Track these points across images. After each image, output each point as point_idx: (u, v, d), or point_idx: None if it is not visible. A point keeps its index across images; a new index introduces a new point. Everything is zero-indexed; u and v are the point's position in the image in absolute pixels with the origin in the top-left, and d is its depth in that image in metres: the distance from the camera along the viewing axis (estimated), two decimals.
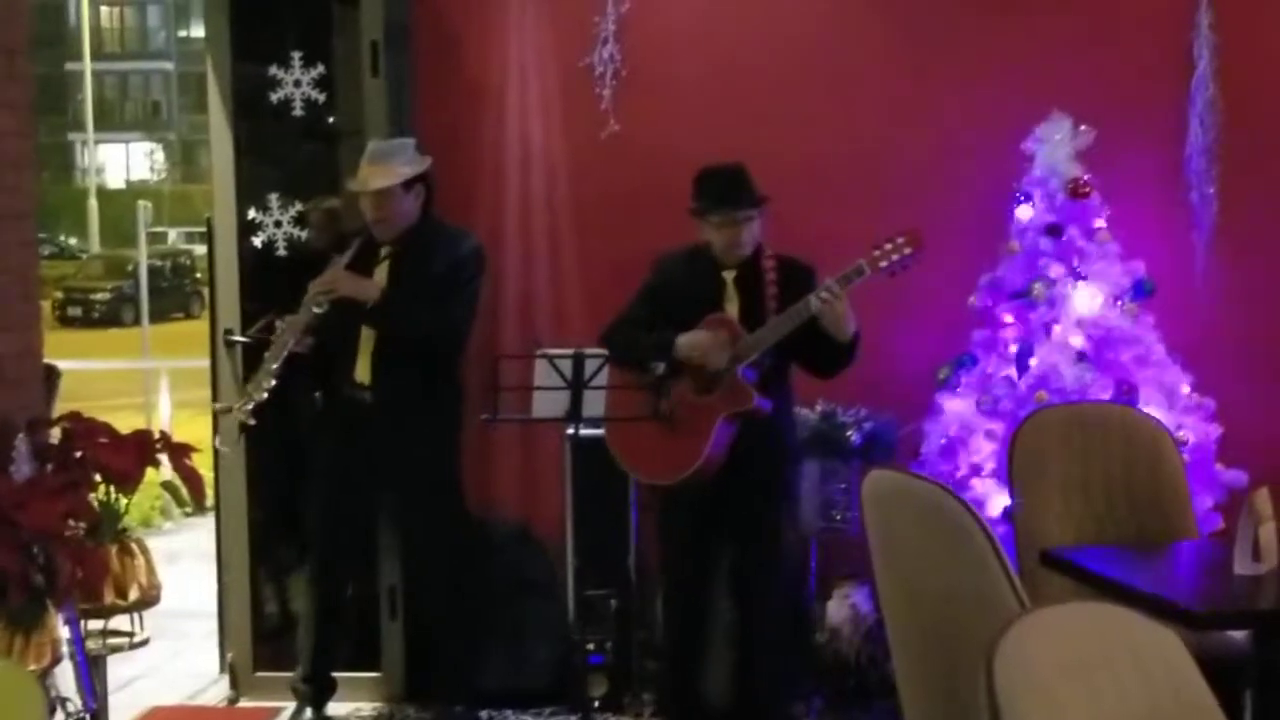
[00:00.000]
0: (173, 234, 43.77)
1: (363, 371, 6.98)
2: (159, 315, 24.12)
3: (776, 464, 6.71)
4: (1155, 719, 3.37)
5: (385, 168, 6.95)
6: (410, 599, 7.60)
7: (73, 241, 48.67)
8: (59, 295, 36.48)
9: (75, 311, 35.79)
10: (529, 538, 7.94)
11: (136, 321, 20.53)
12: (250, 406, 6.74)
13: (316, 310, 6.89)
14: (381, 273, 6.99)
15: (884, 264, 6.25)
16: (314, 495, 7.36)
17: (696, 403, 6.42)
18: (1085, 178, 7.26)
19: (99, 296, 36.36)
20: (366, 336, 6.97)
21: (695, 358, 6.40)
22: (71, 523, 5.04)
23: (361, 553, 7.52)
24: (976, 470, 7.12)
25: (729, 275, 6.53)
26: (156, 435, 5.23)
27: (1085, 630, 3.49)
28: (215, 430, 7.92)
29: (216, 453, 7.95)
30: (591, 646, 7.44)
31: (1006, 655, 3.33)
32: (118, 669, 7.82)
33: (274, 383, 6.77)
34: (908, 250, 6.25)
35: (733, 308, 6.50)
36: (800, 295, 6.34)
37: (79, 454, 5.07)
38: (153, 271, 26.77)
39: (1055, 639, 3.43)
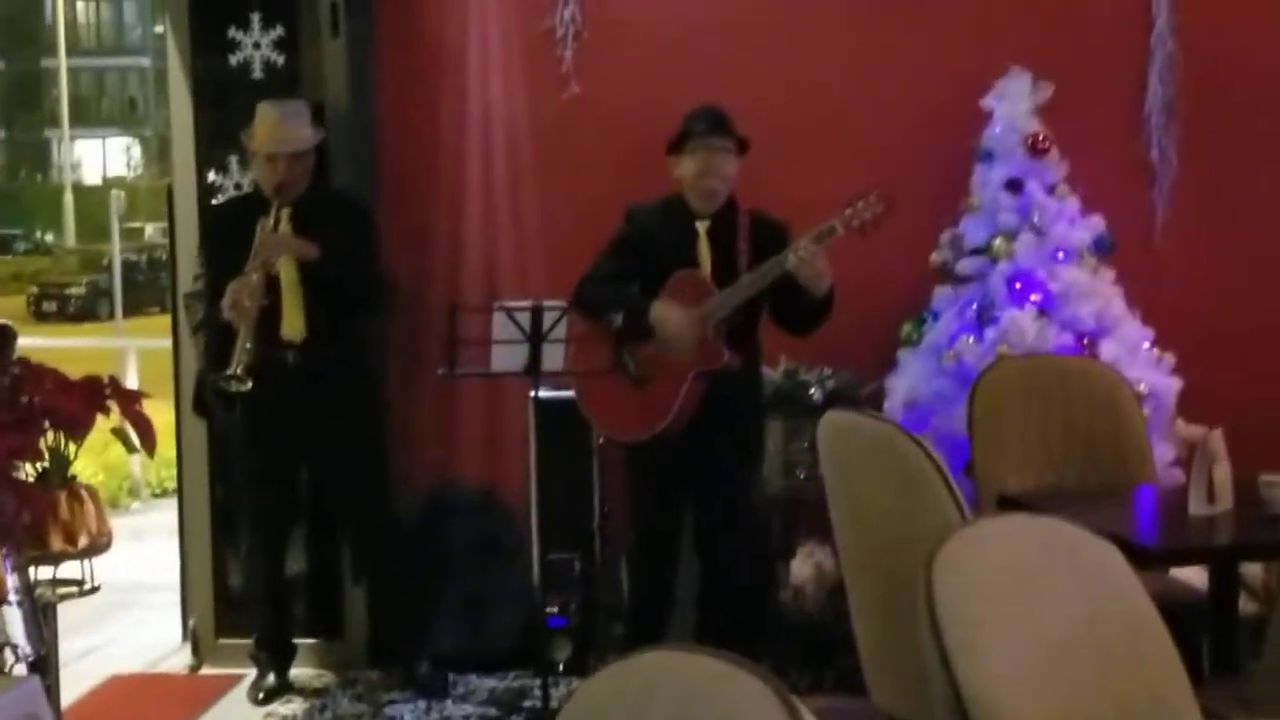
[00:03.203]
0: (149, 229, 43.68)
1: (291, 328, 6.92)
2: (134, 309, 24.04)
3: (745, 420, 6.72)
4: (1093, 623, 3.37)
5: (297, 130, 6.94)
6: (363, 562, 7.56)
7: (49, 237, 48.60)
8: (34, 290, 36.45)
9: (50, 306, 35.76)
10: (493, 501, 7.92)
11: (112, 315, 20.43)
12: (240, 370, 6.68)
13: (271, 272, 6.86)
14: (286, 232, 6.97)
15: (855, 222, 6.28)
16: (244, 463, 7.32)
17: (665, 358, 6.41)
18: (1044, 133, 7.26)
19: (74, 291, 36.32)
20: (292, 295, 6.92)
21: (666, 332, 6.38)
22: (20, 465, 5.01)
23: (300, 518, 7.52)
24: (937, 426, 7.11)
25: (702, 226, 6.52)
26: (105, 381, 5.17)
27: (1023, 538, 3.49)
28: (177, 410, 7.86)
29: (180, 432, 7.91)
30: (555, 610, 7.42)
31: (945, 563, 3.33)
32: (78, 640, 7.84)
33: (250, 346, 6.71)
34: (879, 208, 6.28)
35: (705, 260, 6.50)
36: (772, 252, 6.35)
37: (26, 399, 5.03)
38: (128, 265, 26.75)
39: (993, 547, 3.43)
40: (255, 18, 7.76)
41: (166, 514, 10.19)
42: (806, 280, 6.24)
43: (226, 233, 7.08)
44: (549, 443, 7.37)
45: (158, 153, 56.16)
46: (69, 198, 46.96)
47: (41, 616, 4.96)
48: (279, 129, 6.92)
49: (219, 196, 7.77)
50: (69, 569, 5.23)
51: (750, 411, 6.78)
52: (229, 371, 6.68)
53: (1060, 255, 7.18)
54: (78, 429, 5.08)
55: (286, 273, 6.92)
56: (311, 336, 6.93)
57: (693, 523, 6.78)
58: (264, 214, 6.94)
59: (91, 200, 44.39)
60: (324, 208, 7.02)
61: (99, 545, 5.18)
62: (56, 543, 5.06)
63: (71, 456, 5.14)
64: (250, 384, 6.68)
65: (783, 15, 7.86)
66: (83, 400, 5.04)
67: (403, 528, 7.51)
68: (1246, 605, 6.21)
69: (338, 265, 6.86)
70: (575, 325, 6.47)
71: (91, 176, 55.66)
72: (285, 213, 6.95)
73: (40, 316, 34.58)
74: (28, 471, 5.07)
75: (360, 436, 7.12)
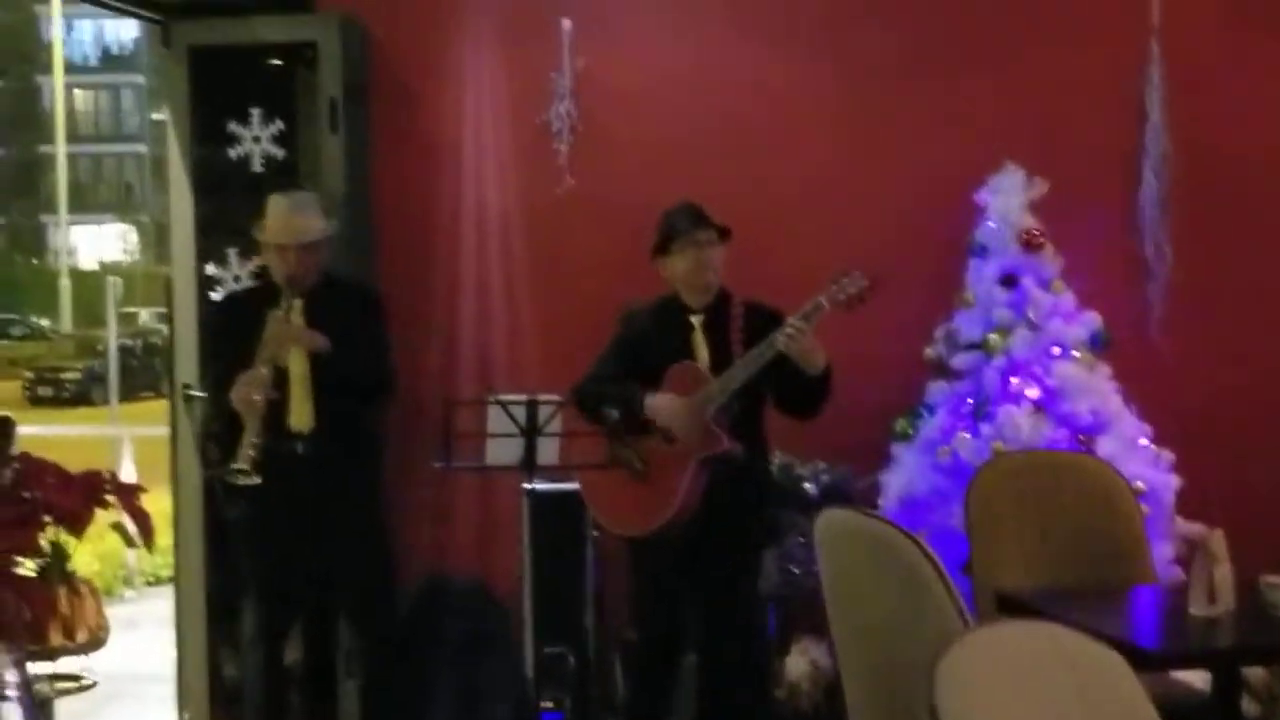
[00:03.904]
0: (144, 314, 43.76)
1: (299, 419, 6.89)
2: (129, 394, 23.97)
3: (751, 512, 6.66)
4: None
5: (308, 221, 6.91)
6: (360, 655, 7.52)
7: (45, 322, 48.62)
8: (30, 375, 36.44)
9: (46, 391, 35.71)
10: (486, 594, 7.90)
11: (107, 400, 20.41)
12: (245, 466, 6.65)
13: (280, 364, 6.83)
14: (298, 323, 6.95)
15: (841, 297, 6.25)
16: (250, 553, 7.26)
17: (667, 450, 6.40)
18: (1038, 229, 7.29)
19: (69, 376, 36.29)
20: (301, 386, 6.90)
21: (662, 422, 6.37)
22: (20, 561, 5.01)
23: (302, 611, 7.42)
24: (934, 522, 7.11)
25: (697, 320, 6.52)
26: (106, 476, 5.18)
27: (1025, 646, 3.48)
28: (175, 499, 7.85)
29: (177, 521, 7.90)
30: (549, 704, 7.39)
31: (947, 671, 3.32)
32: None
33: (258, 440, 6.68)
34: (864, 283, 6.24)
35: (702, 353, 6.49)
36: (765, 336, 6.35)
37: (27, 495, 5.03)
38: (123, 350, 26.74)
39: (995, 654, 3.42)
40: (255, 112, 7.83)
41: (160, 603, 10.16)
42: (799, 357, 6.23)
43: (238, 323, 7.03)
44: (543, 535, 7.36)
45: (154, 239, 56.35)
46: (65, 283, 47.02)
47: (39, 712, 4.96)
48: (290, 220, 6.89)
49: (217, 289, 7.80)
50: (66, 663, 5.23)
51: (757, 502, 6.73)
52: (235, 465, 6.64)
53: (1056, 351, 7.19)
54: (78, 525, 5.09)
55: (296, 363, 6.88)
56: (320, 427, 6.90)
57: (695, 620, 6.72)
58: (274, 305, 6.92)
59: (87, 285, 44.48)
60: (336, 298, 6.99)
61: (97, 640, 5.19)
62: (55, 638, 5.07)
63: (71, 551, 5.14)
64: (257, 478, 6.65)
65: (779, 109, 7.92)
66: (83, 496, 5.06)
67: (400, 620, 7.47)
68: (1250, 708, 6.19)
69: (347, 356, 6.84)
70: (572, 420, 6.46)
71: (88, 262, 55.76)
72: (297, 303, 6.92)
73: (35, 401, 34.54)
74: (27, 566, 5.07)
75: (366, 527, 7.07)
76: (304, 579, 7.15)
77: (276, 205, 6.94)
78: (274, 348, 6.77)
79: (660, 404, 6.39)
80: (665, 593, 6.63)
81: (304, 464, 6.85)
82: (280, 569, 7.08)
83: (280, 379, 6.81)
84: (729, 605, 6.57)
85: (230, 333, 7.00)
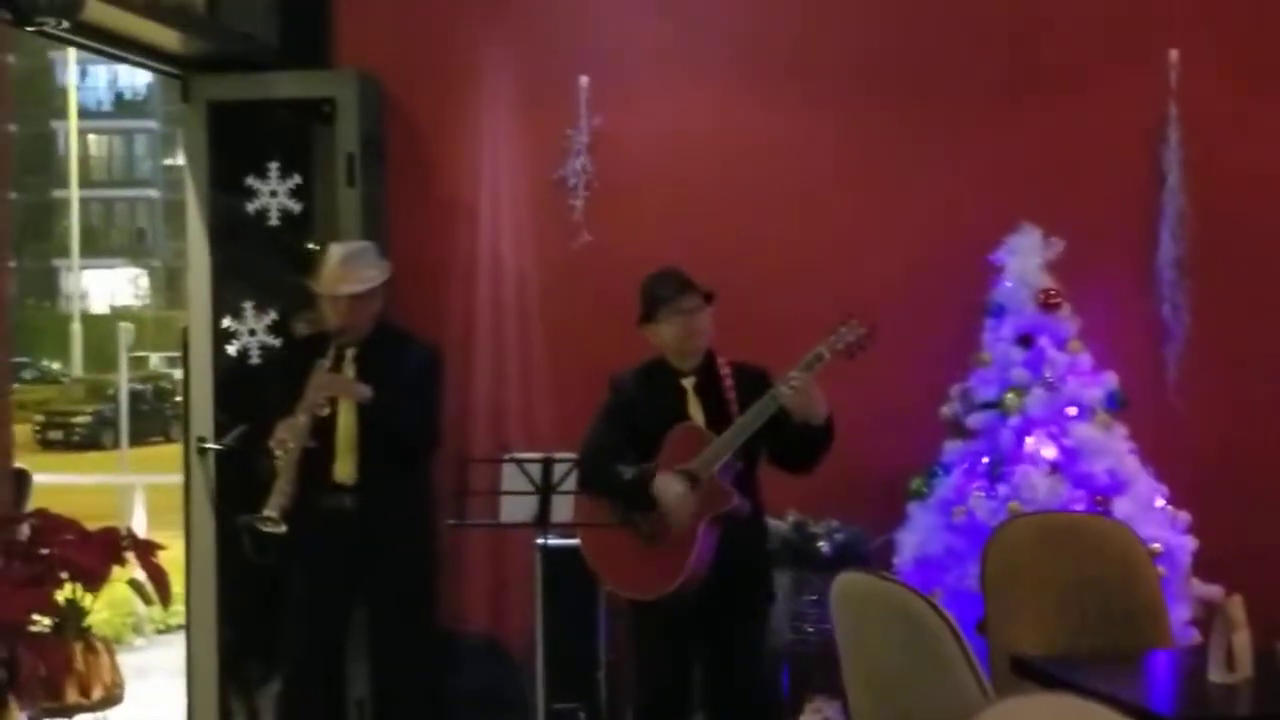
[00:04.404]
0: (154, 358, 43.75)
1: (344, 471, 6.89)
2: (139, 438, 23.97)
3: (756, 571, 6.65)
4: None
5: (358, 272, 6.90)
6: (379, 711, 7.50)
7: (56, 366, 48.64)
8: (40, 419, 36.42)
9: (56, 435, 35.67)
10: (498, 650, 7.89)
11: (116, 445, 20.42)
12: (274, 514, 6.64)
13: (319, 414, 6.83)
14: (348, 374, 6.95)
15: (840, 346, 6.23)
16: (291, 607, 7.23)
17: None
18: (1055, 289, 7.28)
19: (80, 420, 36.27)
20: (346, 438, 6.90)
21: (667, 505, 6.33)
22: (36, 619, 5.00)
23: (335, 666, 7.39)
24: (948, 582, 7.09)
25: (688, 383, 6.51)
26: (123, 533, 5.18)
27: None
28: (187, 547, 7.83)
29: (189, 569, 7.89)
30: None
31: None
32: None
33: (291, 489, 6.67)
34: (861, 330, 6.24)
35: (698, 415, 6.47)
36: (757, 396, 6.33)
37: (45, 551, 5.03)
38: (134, 395, 26.68)
39: None
40: (273, 166, 7.86)
41: (170, 651, 10.14)
42: (802, 410, 6.20)
43: (289, 372, 7.04)
44: (555, 590, 7.34)
45: (165, 283, 56.43)
46: (76, 327, 47.09)
47: None
48: (340, 271, 6.89)
49: (233, 343, 7.81)
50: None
51: (761, 562, 6.72)
52: (264, 512, 6.64)
53: (1072, 411, 7.18)
54: (95, 582, 5.08)
55: (344, 415, 6.88)
56: (364, 479, 6.90)
57: (701, 677, 6.70)
58: (322, 354, 6.92)
59: (98, 329, 44.50)
60: (390, 350, 6.98)
61: (113, 697, 5.18)
62: (71, 695, 5.05)
63: (88, 608, 5.13)
64: (284, 527, 6.64)
65: (795, 167, 7.94)
66: (101, 553, 5.05)
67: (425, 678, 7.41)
68: None
69: (391, 409, 6.83)
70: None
71: (99, 306, 55.83)
72: (350, 353, 6.93)
73: (45, 445, 34.52)
74: (43, 623, 5.06)
75: (412, 582, 7.05)
76: (343, 632, 7.14)
77: (331, 255, 6.96)
78: (314, 396, 6.78)
79: (664, 487, 6.33)
80: (670, 652, 6.59)
81: (347, 516, 6.85)
82: (322, 621, 7.06)
83: (328, 429, 6.81)
84: (736, 663, 6.53)
85: (282, 380, 7.01)
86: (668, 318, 6.45)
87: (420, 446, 7.00)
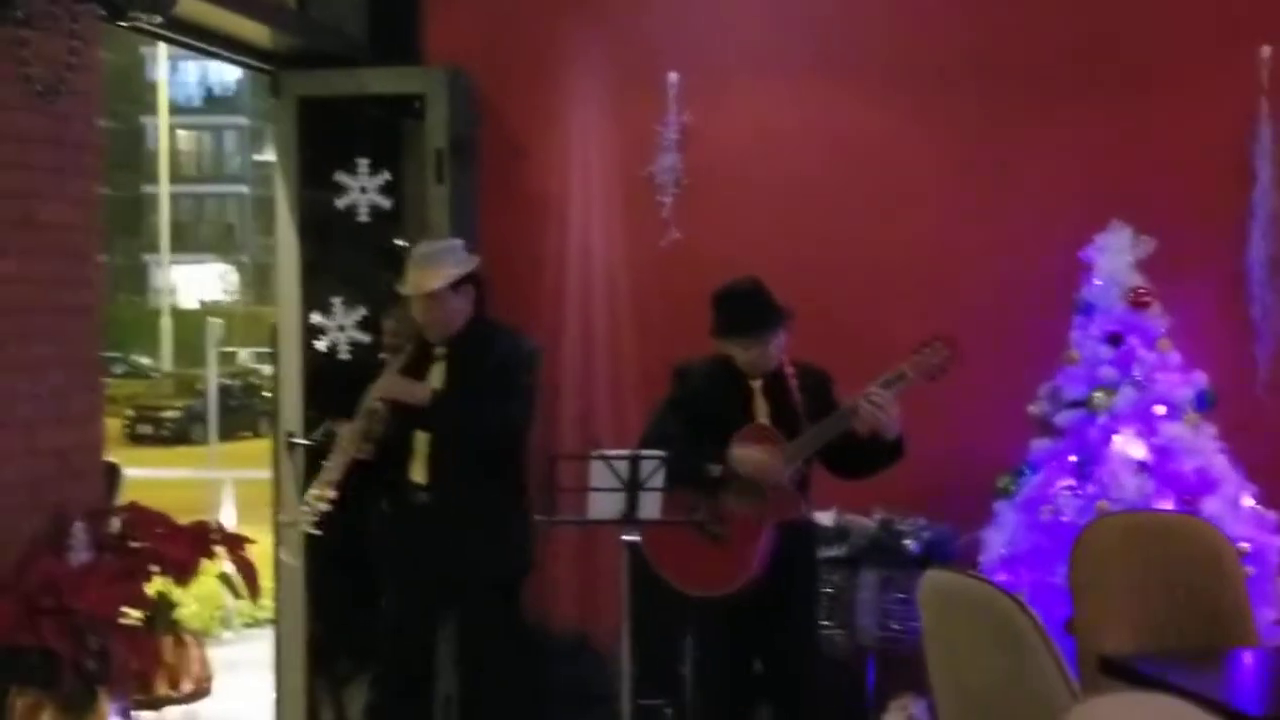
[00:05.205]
0: (243, 353, 44.06)
1: (418, 472, 6.93)
2: (228, 434, 24.18)
3: (811, 570, 6.73)
4: None
5: (434, 270, 6.90)
6: (467, 707, 7.53)
7: (146, 361, 49.00)
8: (130, 413, 36.69)
9: (146, 429, 35.92)
10: (586, 646, 7.91)
11: (206, 440, 20.60)
12: (312, 517, 6.71)
13: (373, 416, 6.87)
14: (437, 372, 6.95)
15: (924, 368, 6.27)
16: (385, 604, 7.27)
17: (743, 512, 6.40)
18: (1145, 287, 7.24)
19: (169, 414, 36.51)
20: (421, 438, 6.92)
21: (751, 472, 6.36)
22: (127, 611, 5.05)
23: (424, 662, 7.42)
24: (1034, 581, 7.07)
25: (756, 385, 6.52)
26: (213, 526, 5.23)
27: (1135, 717, 3.45)
28: (277, 541, 7.91)
29: (278, 563, 7.95)
30: None
31: None
32: None
33: (334, 492, 6.72)
34: (945, 353, 6.27)
35: (763, 416, 6.49)
36: (821, 399, 6.38)
37: (136, 544, 5.08)
38: (223, 390, 26.90)
39: None
40: (362, 162, 7.90)
41: (258, 645, 10.21)
42: (879, 426, 6.22)
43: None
44: (642, 586, 7.34)
45: (254, 279, 56.81)
46: (166, 321, 47.44)
47: None
48: (414, 271, 6.92)
49: (321, 339, 7.86)
50: (171, 713, 5.26)
51: (814, 560, 6.81)
52: (289, 516, 6.74)
53: (1161, 410, 7.14)
54: (185, 575, 5.13)
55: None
56: (437, 479, 6.93)
57: (766, 676, 6.70)
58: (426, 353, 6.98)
59: (188, 325, 44.80)
60: (482, 346, 7.01)
61: (202, 690, 5.22)
62: (161, 688, 5.10)
63: (177, 602, 5.18)
64: (319, 531, 6.71)
65: (884, 166, 7.93)
66: (191, 546, 5.10)
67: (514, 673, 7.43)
68: None
69: (455, 410, 6.85)
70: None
71: (188, 301, 56.23)
72: (439, 351, 6.97)
73: (135, 439, 34.78)
74: (134, 616, 5.11)
75: (493, 579, 7.06)
76: (424, 635, 7.16)
77: (413, 255, 6.99)
78: (369, 399, 6.84)
79: (744, 454, 6.36)
80: (729, 647, 6.61)
81: (424, 513, 6.89)
82: (411, 618, 7.10)
83: (409, 430, 6.85)
84: (790, 655, 6.58)
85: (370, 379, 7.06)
86: (742, 348, 6.47)
87: (495, 443, 6.99)
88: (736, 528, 6.38)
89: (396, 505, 7.07)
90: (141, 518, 5.14)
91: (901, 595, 7.25)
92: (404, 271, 6.97)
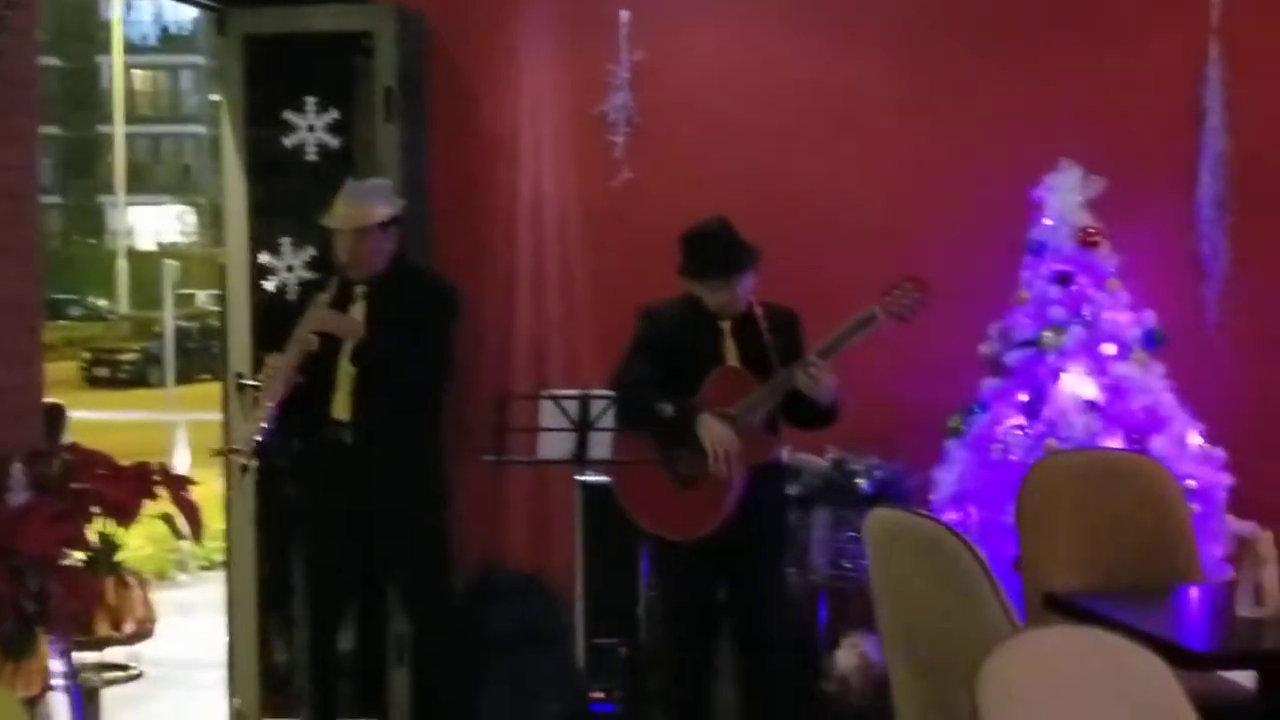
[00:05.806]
0: (201, 296, 43.92)
1: (341, 408, 6.91)
2: (185, 376, 24.08)
3: (779, 510, 6.76)
4: None
5: (362, 207, 6.90)
6: (412, 643, 7.55)
7: (102, 303, 48.84)
8: (87, 356, 36.60)
9: (102, 372, 35.88)
10: (539, 586, 7.92)
11: (163, 382, 20.55)
12: (247, 448, 6.70)
13: (307, 349, 6.85)
14: (357, 311, 6.95)
15: (894, 308, 6.28)
16: (301, 540, 7.33)
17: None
18: (1095, 227, 7.25)
19: (126, 357, 36.48)
20: (345, 373, 6.90)
21: (715, 444, 6.34)
22: (69, 553, 5.03)
23: (354, 597, 7.41)
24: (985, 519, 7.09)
25: (725, 325, 6.51)
26: (155, 468, 5.20)
27: (1069, 652, 3.47)
28: (229, 482, 7.89)
29: (229, 504, 7.93)
30: (601, 696, 7.39)
31: (990, 676, 3.32)
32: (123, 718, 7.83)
33: (268, 425, 6.70)
34: (916, 295, 6.29)
35: (733, 357, 6.49)
36: (790, 339, 6.43)
37: (77, 486, 5.06)
38: (180, 333, 26.79)
39: (1039, 661, 3.42)
40: (310, 101, 7.84)
41: (214, 588, 10.20)
42: (813, 393, 6.26)
43: (302, 307, 7.08)
44: (596, 527, 7.37)
45: (211, 220, 56.58)
46: (122, 264, 47.26)
47: (87, 702, 4.98)
48: (344, 205, 6.90)
49: (270, 279, 7.82)
50: (114, 652, 5.25)
51: (783, 500, 6.86)
52: (234, 445, 6.73)
53: (1110, 349, 7.16)
54: (126, 516, 5.10)
55: (345, 351, 6.91)
56: (360, 415, 6.92)
57: (734, 618, 6.72)
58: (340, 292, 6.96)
59: (145, 266, 44.61)
60: (404, 288, 6.99)
61: (144, 631, 5.22)
62: (103, 628, 5.09)
63: (119, 543, 5.16)
64: (255, 462, 6.72)
65: (835, 106, 7.91)
66: (133, 487, 5.07)
67: (454, 611, 7.45)
68: None
69: (389, 347, 6.84)
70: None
71: (145, 243, 56.00)
72: (360, 289, 6.95)
73: (92, 382, 34.71)
74: (76, 557, 5.09)
75: (418, 516, 7.07)
76: (353, 565, 7.20)
77: (342, 191, 6.97)
78: (302, 331, 6.82)
79: (707, 427, 6.35)
80: (695, 588, 6.62)
81: (347, 451, 6.89)
82: (328, 555, 7.13)
83: (330, 365, 6.84)
84: (758, 597, 6.60)
85: (297, 313, 7.03)
86: (711, 289, 6.46)
87: (423, 385, 7.00)
88: (707, 472, 6.37)
89: (317, 441, 7.06)
90: (83, 459, 5.11)
91: (854, 534, 7.24)
92: (331, 205, 6.96)
